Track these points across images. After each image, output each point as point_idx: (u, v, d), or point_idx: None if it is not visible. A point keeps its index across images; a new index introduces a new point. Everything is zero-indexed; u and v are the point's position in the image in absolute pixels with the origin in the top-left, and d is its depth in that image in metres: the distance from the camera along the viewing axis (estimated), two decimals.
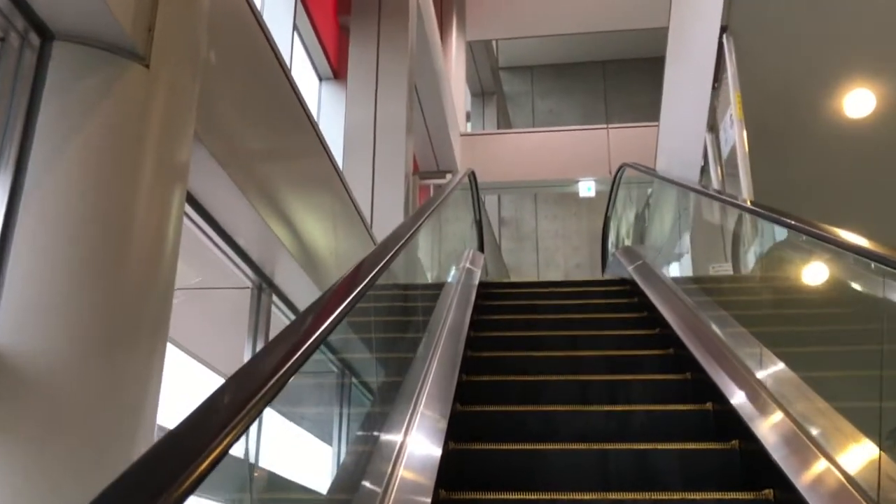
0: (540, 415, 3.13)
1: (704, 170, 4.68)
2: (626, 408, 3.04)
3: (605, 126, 11.63)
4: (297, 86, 3.88)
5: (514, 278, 17.04)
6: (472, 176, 6.76)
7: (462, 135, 12.00)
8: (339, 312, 1.91)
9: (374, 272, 2.64)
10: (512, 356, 4.04)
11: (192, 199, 3.21)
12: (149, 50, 2.40)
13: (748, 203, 3.16)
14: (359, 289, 2.38)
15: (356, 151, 7.11)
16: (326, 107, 8.42)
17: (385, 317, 3.82)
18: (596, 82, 18.85)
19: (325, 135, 8.78)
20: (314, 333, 1.61)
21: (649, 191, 8.08)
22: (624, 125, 11.71)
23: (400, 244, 3.44)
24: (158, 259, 2.34)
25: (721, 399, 2.71)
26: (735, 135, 3.98)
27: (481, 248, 6.87)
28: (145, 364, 2.27)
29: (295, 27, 7.65)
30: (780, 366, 2.49)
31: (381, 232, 6.80)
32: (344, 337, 4.23)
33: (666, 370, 3.39)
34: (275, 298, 4.18)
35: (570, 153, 11.41)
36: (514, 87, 18.92)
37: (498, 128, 16.46)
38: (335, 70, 8.46)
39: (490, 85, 16.78)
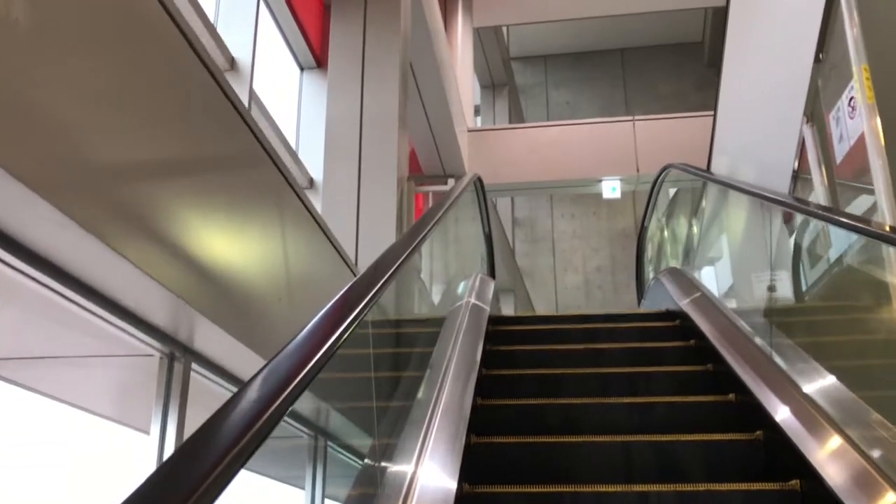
0: None
1: (797, 176, 3.38)
2: None
3: (630, 118, 10.32)
4: (214, 65, 2.66)
5: (529, 288, 15.83)
6: (478, 182, 5.53)
7: (470, 130, 10.72)
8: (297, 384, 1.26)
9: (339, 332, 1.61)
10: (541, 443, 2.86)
11: (25, 252, 2.00)
12: None
13: None
14: (324, 349, 1.46)
15: (338, 153, 5.89)
16: (309, 101, 7.19)
17: (357, 382, 2.66)
18: (614, 71, 17.71)
19: (309, 134, 7.60)
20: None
21: (671, 191, 6.79)
22: (652, 116, 10.41)
23: (386, 277, 2.36)
24: None
25: None
26: (862, 126, 2.72)
27: (492, 272, 5.61)
28: None
29: (268, 6, 6.44)
30: None
31: (369, 253, 5.59)
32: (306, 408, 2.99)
33: None
34: (196, 366, 2.97)
35: (592, 149, 10.11)
36: (526, 78, 17.75)
37: (510, 122, 15.18)
38: (318, 58, 7.24)
39: (501, 76, 15.51)
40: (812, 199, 3.16)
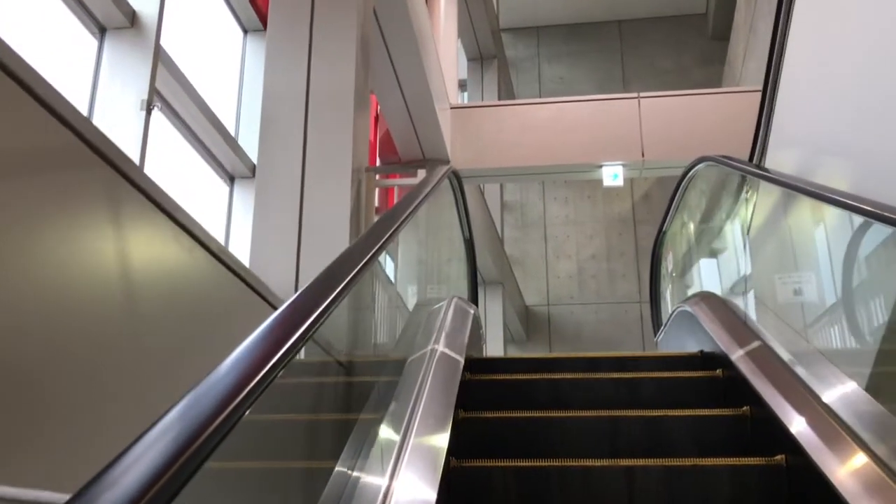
0: None
1: None
2: None
3: (634, 95, 9.07)
4: None
5: (519, 278, 14.65)
6: (453, 176, 4.31)
7: (453, 108, 9.44)
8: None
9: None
10: None
11: None
12: None
13: None
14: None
15: (277, 135, 4.64)
16: (253, 68, 5.94)
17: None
18: (611, 45, 16.54)
19: (253, 111, 6.33)
20: None
21: (692, 186, 5.46)
22: (660, 93, 9.17)
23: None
24: None
25: None
26: None
27: (473, 293, 4.38)
28: None
29: None
30: None
31: (314, 267, 4.39)
32: None
33: None
34: None
35: (591, 130, 8.87)
36: (518, 50, 16.51)
37: (499, 98, 13.90)
38: (265, 18, 5.96)
39: (489, 48, 14.20)
40: None
